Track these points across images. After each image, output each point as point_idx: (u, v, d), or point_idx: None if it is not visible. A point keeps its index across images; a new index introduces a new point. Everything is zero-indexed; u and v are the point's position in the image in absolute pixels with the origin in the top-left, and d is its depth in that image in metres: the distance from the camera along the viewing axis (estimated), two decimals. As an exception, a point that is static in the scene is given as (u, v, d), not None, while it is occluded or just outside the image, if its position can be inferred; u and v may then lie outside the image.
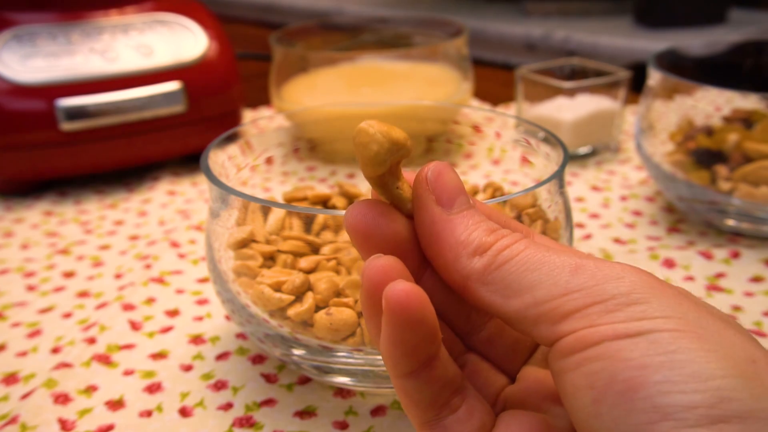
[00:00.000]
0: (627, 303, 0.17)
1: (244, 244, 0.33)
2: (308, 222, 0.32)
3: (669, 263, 0.45)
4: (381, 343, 0.20)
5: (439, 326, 0.20)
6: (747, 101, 0.46)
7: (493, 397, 0.22)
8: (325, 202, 0.39)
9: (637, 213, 0.52)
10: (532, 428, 0.20)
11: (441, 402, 0.20)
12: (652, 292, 0.18)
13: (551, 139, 0.34)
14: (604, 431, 0.16)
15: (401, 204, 0.21)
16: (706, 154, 0.47)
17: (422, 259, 0.21)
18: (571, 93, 0.61)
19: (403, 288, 0.18)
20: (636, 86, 0.64)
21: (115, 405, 0.34)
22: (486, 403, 0.21)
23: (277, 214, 0.32)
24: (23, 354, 0.38)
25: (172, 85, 0.58)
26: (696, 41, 0.57)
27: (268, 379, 0.36)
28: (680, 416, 0.15)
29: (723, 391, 0.15)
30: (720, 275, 0.44)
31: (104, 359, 0.37)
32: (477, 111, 0.42)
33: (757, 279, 0.43)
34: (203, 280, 0.45)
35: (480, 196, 0.40)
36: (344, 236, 0.32)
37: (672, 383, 0.16)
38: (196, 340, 0.39)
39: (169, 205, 0.57)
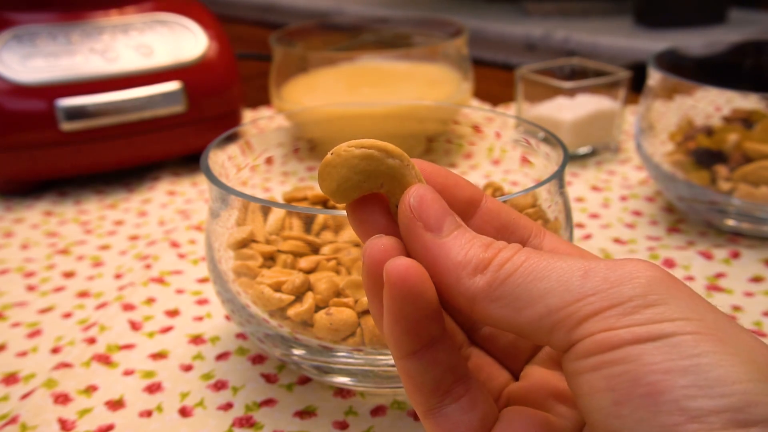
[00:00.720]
0: (645, 305, 0.17)
1: (244, 244, 0.33)
2: (308, 222, 0.32)
3: (669, 263, 0.45)
4: (384, 321, 0.20)
5: (442, 315, 0.20)
6: (747, 101, 0.46)
7: (496, 392, 0.23)
8: (325, 202, 0.39)
9: (637, 213, 0.52)
10: (535, 425, 0.20)
11: (444, 388, 0.20)
12: (669, 292, 0.18)
13: (551, 139, 0.34)
14: (626, 431, 0.16)
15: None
16: (706, 154, 0.47)
17: None
18: (571, 93, 0.61)
19: (403, 262, 0.19)
20: (636, 86, 0.64)
21: (115, 405, 0.34)
22: (489, 395, 0.21)
23: (277, 214, 0.32)
24: (23, 354, 0.38)
25: (172, 85, 0.58)
26: (696, 41, 0.57)
27: (268, 379, 0.36)
28: (707, 420, 0.15)
29: (749, 396, 0.16)
30: (720, 275, 0.44)
31: (104, 359, 0.37)
32: (477, 111, 0.42)
33: (757, 279, 0.43)
34: (203, 280, 0.45)
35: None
36: (344, 236, 0.32)
37: (698, 387, 0.16)
38: (196, 340, 0.39)
39: (169, 205, 0.57)
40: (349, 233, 0.32)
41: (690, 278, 0.43)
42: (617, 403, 0.17)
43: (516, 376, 0.23)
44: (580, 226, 0.51)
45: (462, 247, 0.20)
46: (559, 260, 0.19)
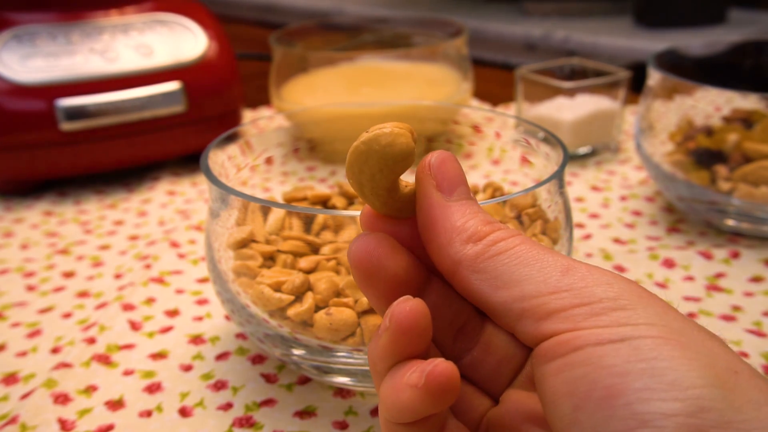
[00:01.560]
0: (613, 308, 0.17)
1: (243, 244, 0.33)
2: (308, 222, 0.32)
3: (669, 263, 0.45)
4: (398, 399, 0.19)
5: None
6: (747, 101, 0.46)
7: (476, 421, 0.22)
8: (324, 202, 0.39)
9: (637, 213, 0.52)
10: None
11: None
12: (640, 301, 0.18)
13: (551, 139, 0.34)
14: None
15: (408, 204, 0.22)
16: (705, 154, 0.47)
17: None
18: (571, 93, 0.61)
19: (445, 369, 0.18)
20: (636, 86, 0.64)
21: (115, 405, 0.34)
22: (466, 429, 0.21)
23: (276, 214, 0.32)
24: (23, 354, 0.38)
25: (172, 85, 0.58)
26: (696, 41, 0.57)
27: (268, 379, 0.36)
28: (658, 424, 0.15)
29: (702, 401, 0.15)
30: (720, 275, 0.44)
31: (104, 359, 0.37)
32: (477, 111, 0.42)
33: (756, 279, 0.43)
34: (203, 280, 0.45)
35: (480, 196, 0.40)
36: (344, 236, 0.32)
37: (652, 390, 0.16)
38: (196, 340, 0.39)
39: (169, 205, 0.57)
40: (348, 233, 0.32)
41: (690, 278, 0.43)
42: (576, 408, 0.17)
43: (497, 402, 0.23)
44: (580, 226, 0.51)
45: (464, 214, 0.20)
46: (548, 254, 0.19)
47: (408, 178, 0.22)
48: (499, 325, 0.20)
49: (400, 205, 0.22)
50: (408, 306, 0.19)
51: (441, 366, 0.18)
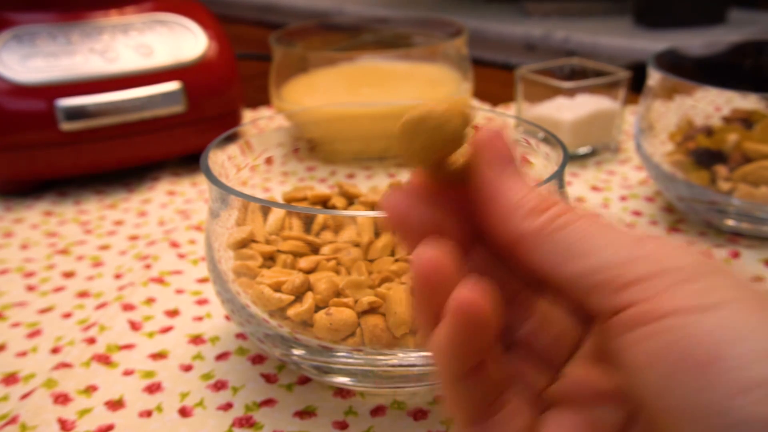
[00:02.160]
0: (693, 276, 0.17)
1: (243, 244, 0.33)
2: (308, 222, 0.32)
3: (669, 263, 0.45)
4: (438, 343, 0.19)
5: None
6: (747, 101, 0.46)
7: (535, 397, 0.22)
8: (324, 202, 0.40)
9: (637, 213, 0.52)
10: (579, 427, 0.20)
11: (486, 404, 0.20)
12: (717, 270, 0.17)
13: (551, 139, 0.34)
14: (675, 407, 0.16)
15: (457, 177, 0.22)
16: (705, 154, 0.47)
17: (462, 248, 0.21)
18: (570, 93, 0.61)
19: (470, 295, 0.18)
20: (636, 86, 0.64)
21: (115, 405, 0.34)
22: (528, 403, 0.21)
23: (276, 214, 0.32)
24: (23, 354, 0.38)
25: (172, 85, 0.58)
26: (696, 41, 0.57)
27: (268, 379, 0.36)
28: (756, 390, 0.15)
29: None
30: (720, 275, 0.44)
31: (104, 359, 0.37)
32: (477, 111, 0.42)
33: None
34: (203, 280, 0.45)
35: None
36: (344, 236, 0.32)
37: (746, 357, 0.15)
38: (196, 340, 0.39)
39: (169, 205, 0.57)
40: (348, 233, 0.32)
41: (690, 278, 0.43)
42: (667, 376, 0.16)
43: (556, 377, 0.22)
44: (580, 226, 0.51)
45: (520, 190, 0.20)
46: (613, 227, 0.19)
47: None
48: (565, 297, 0.19)
49: (450, 177, 0.21)
50: (429, 254, 0.19)
51: (464, 291, 0.18)
